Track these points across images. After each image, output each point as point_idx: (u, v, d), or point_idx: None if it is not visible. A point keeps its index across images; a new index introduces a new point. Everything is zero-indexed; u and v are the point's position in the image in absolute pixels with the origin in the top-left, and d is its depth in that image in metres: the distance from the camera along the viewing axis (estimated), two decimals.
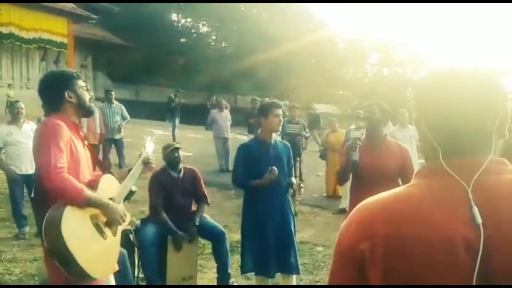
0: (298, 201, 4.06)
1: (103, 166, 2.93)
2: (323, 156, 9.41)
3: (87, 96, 2.62)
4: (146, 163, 2.94)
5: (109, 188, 2.62)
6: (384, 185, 1.41)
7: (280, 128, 4.06)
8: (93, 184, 2.53)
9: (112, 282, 2.79)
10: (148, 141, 3.10)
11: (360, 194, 1.18)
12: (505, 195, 0.97)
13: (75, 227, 2.33)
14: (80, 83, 2.61)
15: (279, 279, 4.18)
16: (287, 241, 3.96)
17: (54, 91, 2.56)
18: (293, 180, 4.05)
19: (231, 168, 10.54)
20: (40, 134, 2.45)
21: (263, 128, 4.00)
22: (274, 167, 3.78)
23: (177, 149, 4.62)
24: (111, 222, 2.56)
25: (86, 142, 2.69)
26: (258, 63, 28.48)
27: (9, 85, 20.81)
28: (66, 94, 2.53)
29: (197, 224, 4.47)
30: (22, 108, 5.98)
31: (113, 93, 9.80)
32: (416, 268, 0.95)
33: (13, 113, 5.95)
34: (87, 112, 2.68)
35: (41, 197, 2.44)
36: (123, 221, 2.62)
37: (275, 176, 3.77)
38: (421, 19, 41.69)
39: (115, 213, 2.54)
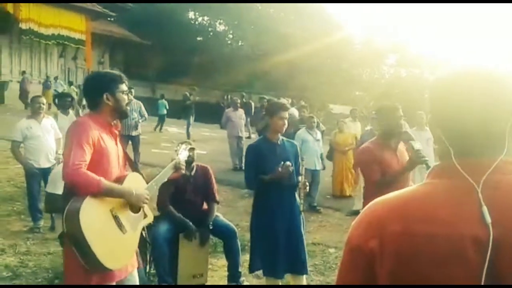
0: (302, 198, 4.01)
1: (133, 164, 3.03)
2: (330, 157, 9.39)
3: (125, 100, 2.72)
4: (177, 168, 3.02)
5: (135, 185, 2.69)
6: (401, 184, 1.40)
7: (283, 131, 4.01)
8: (120, 180, 2.64)
9: (136, 277, 2.84)
10: (182, 148, 3.24)
11: (377, 194, 1.17)
12: None
13: (94, 218, 2.43)
14: (122, 87, 2.72)
15: (288, 279, 4.16)
16: (296, 241, 3.95)
17: (95, 92, 2.70)
18: (300, 178, 4.02)
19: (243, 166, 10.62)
20: (68, 134, 2.58)
21: (269, 128, 4.01)
22: (288, 162, 3.74)
23: (192, 148, 4.63)
24: (137, 207, 2.66)
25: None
26: (274, 63, 28.46)
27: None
28: (104, 96, 2.64)
29: (210, 227, 4.50)
30: (43, 104, 6.10)
31: (133, 90, 9.89)
32: (426, 266, 0.95)
33: (34, 108, 6.04)
34: (121, 115, 2.79)
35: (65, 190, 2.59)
36: (147, 202, 2.71)
37: (287, 173, 3.73)
38: (439, 20, 41.26)
39: (139, 199, 2.63)
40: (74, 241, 2.40)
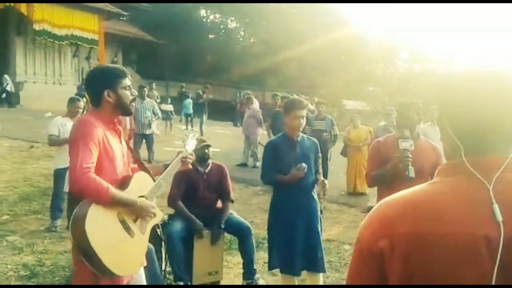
0: (323, 199, 4.00)
1: (139, 161, 2.94)
2: (344, 153, 9.34)
3: (127, 97, 2.60)
4: (184, 161, 2.93)
5: (141, 185, 2.62)
6: (415, 183, 1.38)
7: (300, 129, 3.98)
8: (125, 181, 2.54)
9: (143, 276, 2.82)
10: (190, 138, 3.11)
11: (390, 192, 1.15)
12: None
13: (100, 225, 2.35)
14: (124, 82, 2.59)
15: (305, 276, 4.15)
16: (314, 238, 3.93)
17: (95, 88, 2.59)
18: (319, 176, 4.00)
19: (258, 164, 10.61)
20: (73, 133, 2.51)
21: (287, 126, 3.99)
22: (303, 164, 3.74)
23: (208, 146, 4.65)
24: (141, 219, 2.57)
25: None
26: (286, 59, 28.36)
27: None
28: (105, 93, 2.53)
29: (222, 227, 4.50)
30: (81, 108, 6.19)
31: (146, 89, 10.02)
32: (437, 265, 0.95)
33: (72, 110, 6.10)
34: (125, 112, 2.69)
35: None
36: (153, 217, 2.62)
37: (303, 173, 3.73)
38: (453, 15, 40.79)
39: (143, 211, 2.53)
40: (81, 249, 2.33)
